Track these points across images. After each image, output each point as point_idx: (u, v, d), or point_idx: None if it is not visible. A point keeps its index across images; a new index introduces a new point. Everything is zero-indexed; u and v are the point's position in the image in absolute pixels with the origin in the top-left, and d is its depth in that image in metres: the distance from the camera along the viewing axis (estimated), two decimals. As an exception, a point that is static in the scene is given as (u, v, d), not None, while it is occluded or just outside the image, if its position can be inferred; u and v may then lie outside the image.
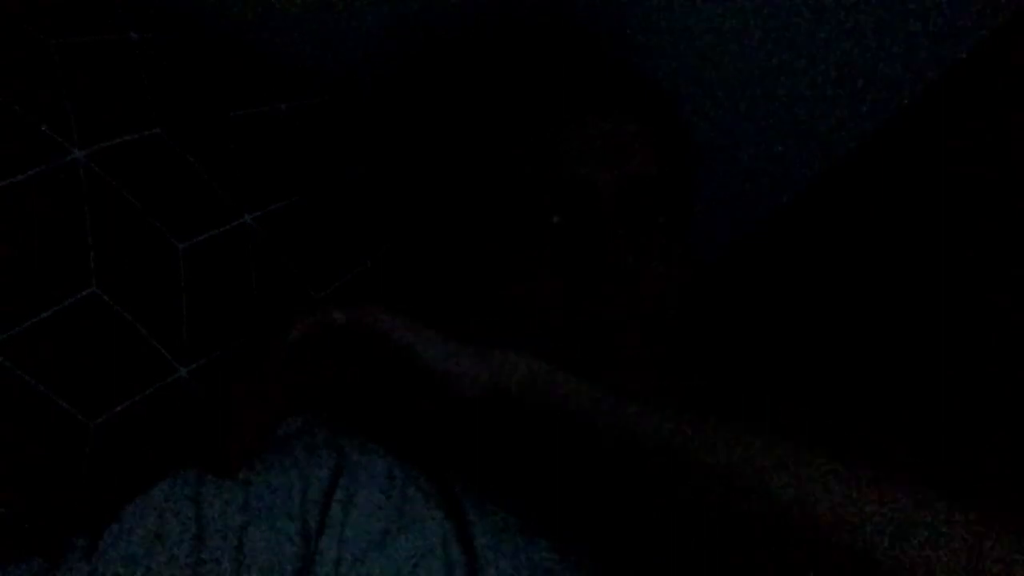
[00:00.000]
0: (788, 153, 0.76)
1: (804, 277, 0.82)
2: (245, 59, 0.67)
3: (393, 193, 0.69)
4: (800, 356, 0.79)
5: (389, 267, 0.66)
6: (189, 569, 0.43)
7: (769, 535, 0.41)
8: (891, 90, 0.71)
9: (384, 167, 0.69)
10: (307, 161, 0.64)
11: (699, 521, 0.44)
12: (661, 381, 0.56)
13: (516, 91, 0.62)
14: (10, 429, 0.48)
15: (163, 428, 0.52)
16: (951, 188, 0.73)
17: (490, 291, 0.58)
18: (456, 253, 0.62)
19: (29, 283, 0.49)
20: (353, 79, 0.71)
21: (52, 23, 0.57)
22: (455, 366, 0.48)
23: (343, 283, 0.63)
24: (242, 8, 0.66)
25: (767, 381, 0.77)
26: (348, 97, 0.70)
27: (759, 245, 0.83)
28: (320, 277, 0.62)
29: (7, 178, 0.50)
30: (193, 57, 0.63)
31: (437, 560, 0.47)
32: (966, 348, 0.71)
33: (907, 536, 0.39)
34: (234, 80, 0.64)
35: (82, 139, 0.53)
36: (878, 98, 0.72)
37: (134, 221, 0.54)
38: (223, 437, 0.48)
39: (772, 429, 0.45)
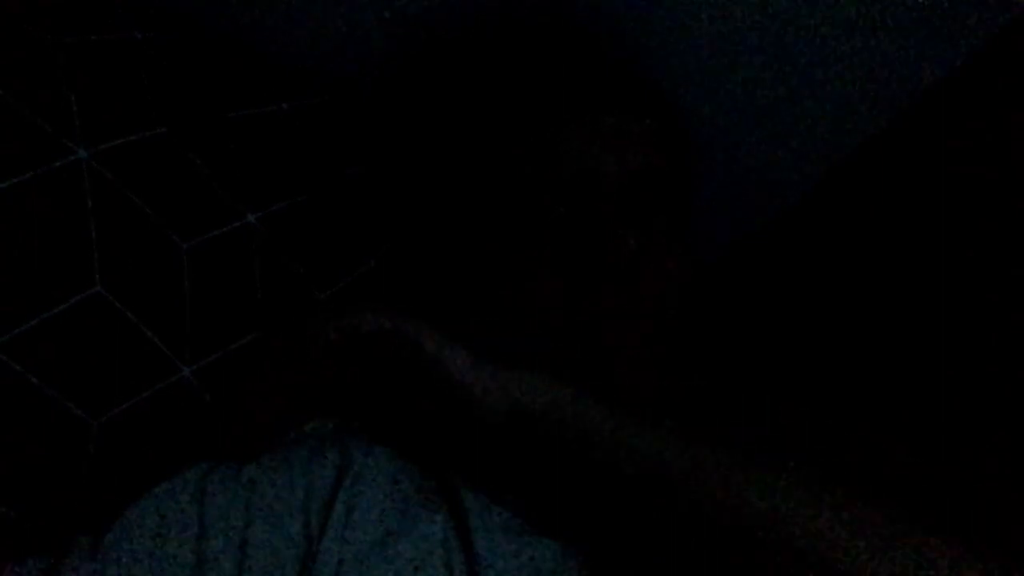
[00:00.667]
0: (788, 153, 0.76)
1: (804, 277, 0.82)
2: (246, 59, 0.67)
3: (393, 193, 0.69)
4: (800, 356, 0.79)
5: (389, 266, 0.66)
6: (191, 568, 0.43)
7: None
8: (891, 90, 0.71)
9: (384, 167, 0.69)
10: (308, 161, 0.65)
11: (708, 539, 0.46)
12: (661, 381, 0.56)
13: (516, 91, 0.62)
14: (14, 428, 0.48)
15: (166, 428, 0.53)
16: (951, 188, 0.73)
17: (490, 290, 0.58)
18: (456, 253, 0.62)
19: (33, 283, 0.49)
20: (353, 79, 0.71)
21: (54, 23, 0.57)
22: (481, 384, 0.49)
23: (347, 283, 0.63)
24: (242, 8, 0.66)
25: (767, 381, 0.77)
26: (348, 97, 0.70)
27: (759, 245, 0.83)
28: (324, 277, 0.62)
29: (11, 178, 0.50)
30: (195, 57, 0.63)
31: (439, 562, 0.47)
32: (966, 348, 0.71)
33: None
34: (235, 80, 0.64)
35: (86, 139, 0.53)
36: (878, 98, 0.72)
37: (138, 221, 0.54)
38: (233, 423, 0.49)
39: (779, 442, 0.46)
